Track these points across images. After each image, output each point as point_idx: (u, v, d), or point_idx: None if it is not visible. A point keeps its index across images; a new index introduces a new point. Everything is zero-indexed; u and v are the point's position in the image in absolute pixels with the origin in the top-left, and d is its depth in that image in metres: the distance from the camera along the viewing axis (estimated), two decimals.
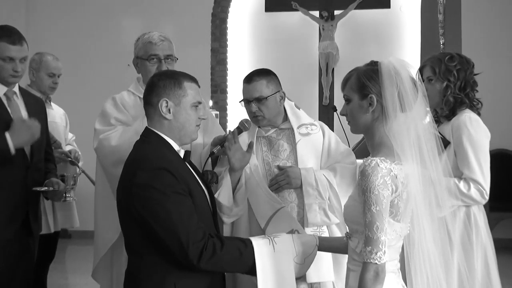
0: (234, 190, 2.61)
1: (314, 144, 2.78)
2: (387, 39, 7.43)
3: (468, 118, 2.80)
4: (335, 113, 4.91)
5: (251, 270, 2.06)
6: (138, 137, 2.21)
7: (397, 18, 7.47)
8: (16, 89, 3.08)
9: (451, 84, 2.85)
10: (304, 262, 2.14)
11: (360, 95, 2.00)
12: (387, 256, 1.85)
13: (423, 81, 2.86)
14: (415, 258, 1.95)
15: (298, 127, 2.79)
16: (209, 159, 2.67)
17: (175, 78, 2.16)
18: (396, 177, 1.88)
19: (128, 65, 3.66)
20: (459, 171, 2.78)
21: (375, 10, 7.44)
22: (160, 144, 2.13)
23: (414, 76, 2.02)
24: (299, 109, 2.89)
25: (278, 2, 7.60)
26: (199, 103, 2.18)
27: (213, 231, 2.13)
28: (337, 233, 2.72)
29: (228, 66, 7.75)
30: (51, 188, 3.08)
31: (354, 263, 1.99)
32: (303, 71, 7.58)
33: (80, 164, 4.05)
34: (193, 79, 2.20)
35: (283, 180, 2.67)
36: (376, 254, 1.83)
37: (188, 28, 7.47)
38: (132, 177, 2.02)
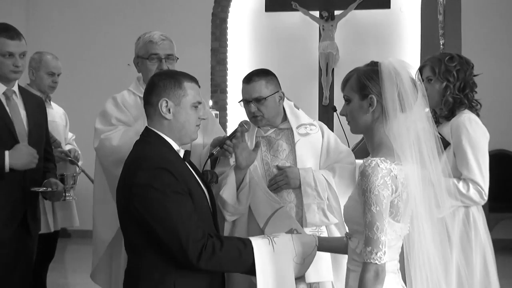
0: (238, 188, 2.62)
1: (313, 144, 2.78)
2: (387, 40, 7.42)
3: (467, 119, 2.81)
4: (335, 113, 4.93)
5: (251, 270, 2.06)
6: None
7: (397, 18, 7.46)
8: (15, 88, 3.08)
9: (451, 84, 2.86)
10: (304, 262, 2.14)
11: (360, 96, 2.00)
12: (387, 256, 1.85)
13: (423, 81, 2.86)
14: (414, 258, 1.95)
15: (297, 127, 2.79)
16: (209, 160, 2.67)
17: (175, 78, 2.15)
18: (396, 178, 1.88)
19: (128, 64, 3.66)
20: (458, 172, 2.79)
21: (375, 10, 7.43)
22: (160, 144, 2.13)
23: (414, 77, 2.03)
24: (298, 109, 2.89)
25: (278, 2, 7.59)
26: (199, 103, 2.18)
27: (212, 231, 2.13)
28: (336, 233, 2.72)
29: (228, 66, 7.74)
30: (49, 189, 3.08)
31: (354, 264, 1.99)
32: (303, 71, 7.58)
33: (79, 163, 4.05)
34: (193, 79, 2.20)
35: (282, 180, 2.67)
36: (376, 254, 1.83)
37: (188, 28, 7.46)
38: (132, 177, 2.02)
